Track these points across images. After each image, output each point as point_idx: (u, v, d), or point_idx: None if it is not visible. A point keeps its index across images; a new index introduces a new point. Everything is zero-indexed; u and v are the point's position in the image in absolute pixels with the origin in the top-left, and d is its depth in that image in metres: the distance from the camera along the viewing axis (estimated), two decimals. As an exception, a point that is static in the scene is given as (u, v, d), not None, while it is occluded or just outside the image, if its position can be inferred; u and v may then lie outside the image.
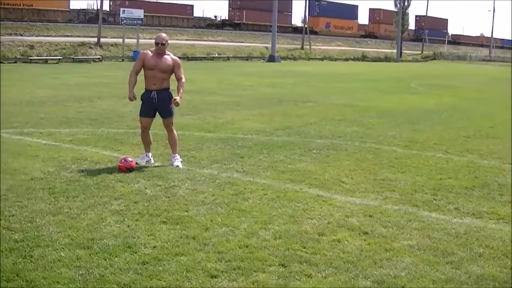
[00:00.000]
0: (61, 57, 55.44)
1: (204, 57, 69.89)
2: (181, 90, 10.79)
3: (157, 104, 10.79)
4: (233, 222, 7.58)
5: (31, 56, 54.56)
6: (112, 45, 66.21)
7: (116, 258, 6.27)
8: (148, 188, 9.10)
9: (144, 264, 6.14)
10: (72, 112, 17.80)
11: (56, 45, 61.16)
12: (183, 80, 10.89)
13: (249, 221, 7.65)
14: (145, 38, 70.19)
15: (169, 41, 11.04)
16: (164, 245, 6.67)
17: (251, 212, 8.01)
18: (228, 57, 73.19)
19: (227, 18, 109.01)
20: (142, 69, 10.82)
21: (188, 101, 21.32)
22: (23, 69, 41.87)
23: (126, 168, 10.09)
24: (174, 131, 11.11)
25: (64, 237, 6.86)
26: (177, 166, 10.63)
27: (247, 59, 74.87)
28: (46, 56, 55.49)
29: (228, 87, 29.18)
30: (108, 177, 9.63)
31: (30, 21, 74.59)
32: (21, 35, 64.92)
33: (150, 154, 11.09)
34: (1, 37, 60.08)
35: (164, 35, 11.06)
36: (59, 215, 7.67)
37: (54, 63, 51.53)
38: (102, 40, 65.77)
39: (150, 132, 11.20)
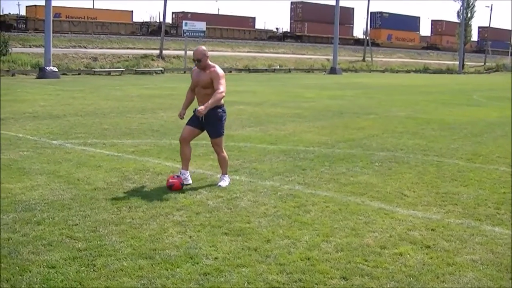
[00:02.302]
0: (123, 69, 56.29)
1: (266, 69, 70.12)
2: (210, 100, 9.78)
3: (204, 123, 10.12)
4: (295, 234, 7.55)
5: (94, 68, 55.53)
6: (174, 57, 66.92)
7: (178, 269, 6.29)
8: (210, 199, 9.14)
9: (206, 275, 6.15)
10: (134, 123, 18.02)
11: (119, 57, 62.09)
12: (220, 91, 9.88)
13: (311, 233, 7.61)
14: (209, 50, 70.80)
15: (207, 55, 10.04)
16: (226, 257, 6.68)
17: (313, 225, 7.97)
18: (289, 69, 73.33)
19: (288, 30, 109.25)
20: None
21: (250, 113, 21.44)
22: (87, 81, 42.57)
23: (181, 184, 9.74)
24: (223, 153, 10.31)
25: (127, 247, 6.93)
26: (219, 185, 9.96)
27: (308, 71, 74.87)
28: (109, 68, 56.42)
29: (289, 99, 29.19)
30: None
31: (94, 34, 75.88)
32: (85, 48, 66.11)
33: (187, 173, 10.23)
34: (66, 49, 61.21)
35: (200, 49, 10.06)
36: (121, 225, 7.76)
37: (117, 75, 52.33)
38: (164, 52, 66.53)
39: (190, 145, 10.44)
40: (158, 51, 67.10)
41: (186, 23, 67.98)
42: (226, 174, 10.31)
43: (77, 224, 7.74)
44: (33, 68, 50.79)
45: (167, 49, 70.06)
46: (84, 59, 59.42)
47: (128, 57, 62.91)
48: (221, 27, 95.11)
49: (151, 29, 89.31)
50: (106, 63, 59.24)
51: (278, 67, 73.06)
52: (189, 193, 9.44)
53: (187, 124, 10.38)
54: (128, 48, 70.54)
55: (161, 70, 58.67)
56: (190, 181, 10.13)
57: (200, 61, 9.96)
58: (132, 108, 22.81)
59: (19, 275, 6.05)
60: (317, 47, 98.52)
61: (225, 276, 6.15)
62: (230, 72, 65.57)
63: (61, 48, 62.45)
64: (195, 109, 9.88)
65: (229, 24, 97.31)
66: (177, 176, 9.92)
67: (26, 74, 49.06)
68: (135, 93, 30.40)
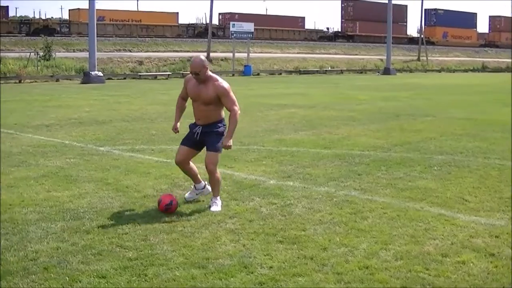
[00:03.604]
0: (170, 73, 56.76)
1: (317, 71, 70.04)
2: (231, 127, 8.99)
3: (200, 139, 9.16)
4: (352, 242, 7.51)
5: (140, 72, 56.09)
6: (222, 60, 67.19)
7: (232, 278, 6.30)
8: (263, 206, 9.14)
9: (261, 285, 6.15)
10: (183, 128, 17.97)
11: (165, 61, 62.55)
12: (235, 111, 8.98)
13: (369, 241, 7.56)
14: (255, 52, 71.07)
15: (207, 66, 8.99)
16: (281, 266, 6.67)
17: (371, 232, 7.92)
18: (341, 70, 73.14)
19: (339, 29, 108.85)
20: None
21: (302, 116, 21.44)
22: (132, 85, 42.98)
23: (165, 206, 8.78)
24: (217, 173, 9.18)
25: (179, 256, 6.96)
26: (211, 210, 8.91)
27: (361, 72, 74.60)
28: (155, 72, 56.94)
29: (342, 101, 29.11)
30: (221, 194, 9.69)
31: (139, 37, 76.62)
32: (130, 51, 66.81)
33: (202, 184, 9.52)
34: (111, 53, 61.88)
35: (198, 60, 8.99)
36: (173, 234, 7.80)
37: (163, 79, 52.80)
38: (211, 54, 66.79)
39: (190, 163, 9.43)
40: (205, 54, 67.43)
41: (234, 24, 68.33)
42: (218, 196, 9.21)
43: (127, 233, 7.81)
44: (77, 73, 51.46)
45: (215, 51, 70.37)
46: (130, 63, 59.99)
47: (174, 60, 63.33)
48: (269, 27, 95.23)
49: (197, 31, 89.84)
50: (152, 67, 59.73)
51: (329, 68, 72.91)
52: (241, 200, 9.46)
53: (182, 143, 9.40)
54: (174, 51, 71.03)
55: (208, 73, 58.88)
56: (210, 189, 9.38)
57: (199, 75, 8.89)
58: (179, 112, 22.92)
59: (69, 285, 6.12)
60: (369, 47, 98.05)
61: (281, 286, 6.14)
62: (280, 74, 65.66)
63: (106, 52, 63.16)
64: (191, 124, 9.30)
65: (278, 24, 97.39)
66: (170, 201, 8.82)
67: (70, 79, 49.73)
68: (182, 97, 30.55)
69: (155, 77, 54.32)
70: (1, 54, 53.09)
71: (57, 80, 48.60)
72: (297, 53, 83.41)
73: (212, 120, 9.11)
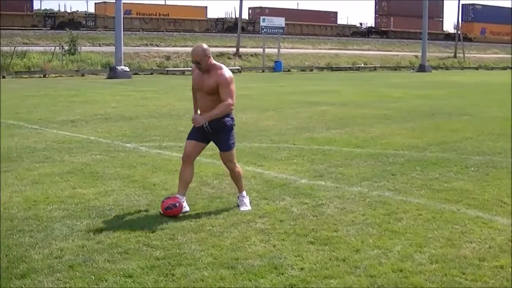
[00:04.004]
0: (199, 68, 56.72)
1: (349, 67, 69.91)
2: (213, 111, 8.62)
3: (209, 134, 8.92)
4: (386, 244, 7.48)
5: (167, 67, 56.33)
6: (251, 55, 67.32)
7: (261, 280, 6.30)
8: (294, 206, 9.13)
9: (292, 287, 6.14)
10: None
11: (193, 56, 62.62)
12: (227, 103, 8.60)
13: (403, 243, 7.53)
14: (286, 48, 71.00)
15: (209, 54, 8.66)
16: (313, 267, 6.66)
17: (405, 234, 7.88)
18: (374, 67, 72.93)
19: (373, 25, 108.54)
20: None
21: (334, 114, 21.40)
22: (160, 81, 43.16)
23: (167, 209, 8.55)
24: (237, 169, 9.20)
25: (207, 256, 6.98)
26: (243, 210, 8.91)
27: (395, 69, 74.34)
28: (182, 67, 57.08)
29: (375, 99, 29.01)
30: (251, 194, 9.72)
31: (167, 31, 76.89)
32: (157, 46, 67.10)
33: (183, 199, 8.85)
34: (137, 48, 62.18)
35: (199, 48, 8.69)
36: (201, 233, 7.83)
37: (190, 74, 52.61)
38: (241, 50, 66.98)
39: (193, 165, 9.15)
40: (234, 49, 67.58)
41: (264, 19, 68.28)
42: (244, 191, 9.20)
43: (154, 232, 7.85)
44: (103, 68, 51.82)
45: (244, 46, 70.51)
46: (157, 57, 60.29)
47: (202, 55, 63.47)
48: (301, 23, 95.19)
49: (226, 26, 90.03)
50: (179, 62, 59.95)
51: (362, 65, 72.72)
52: (271, 200, 9.47)
53: (188, 138, 9.10)
54: (202, 46, 71.18)
55: (238, 69, 58.98)
56: (188, 208, 8.85)
57: (200, 64, 8.64)
58: (208, 109, 22.98)
59: (95, 284, 6.17)
60: (404, 43, 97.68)
61: (312, 288, 6.15)
62: (311, 70, 65.59)
63: (132, 46, 63.50)
64: (194, 116, 8.92)
65: (310, 19, 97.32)
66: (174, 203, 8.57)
67: (96, 74, 50.10)
68: (210, 94, 30.62)
69: (182, 72, 54.47)
70: (23, 48, 53.56)
71: (83, 75, 48.97)
72: (329, 49, 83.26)
73: None
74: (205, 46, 8.73)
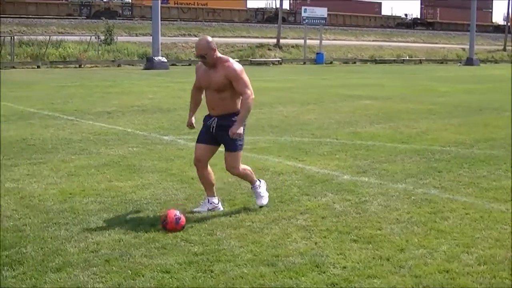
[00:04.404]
0: (238, 59, 56.71)
1: (394, 60, 69.54)
2: (241, 114, 8.35)
3: (216, 134, 8.58)
4: (431, 243, 7.44)
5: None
6: (292, 47, 67.24)
7: (302, 278, 6.31)
8: (336, 202, 9.12)
9: (334, 286, 6.14)
10: (252, 118, 18.03)
11: (232, 47, 62.87)
12: (248, 95, 8.31)
13: (449, 243, 7.48)
14: (328, 39, 70.79)
15: (214, 47, 8.29)
16: (355, 266, 6.65)
17: (451, 233, 7.82)
18: (420, 60, 72.49)
19: (418, 16, 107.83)
20: None
21: (378, 108, 21.31)
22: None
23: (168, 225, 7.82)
24: (241, 171, 8.83)
25: (247, 252, 7.00)
26: (260, 203, 8.78)
27: (441, 62, 73.81)
28: (222, 59, 57.03)
29: (421, 93, 28.80)
30: (292, 189, 9.75)
31: (205, 21, 77.01)
32: (195, 36, 67.15)
33: (215, 200, 8.75)
34: (175, 38, 62.43)
35: (204, 41, 8.35)
36: (240, 229, 7.85)
37: (230, 66, 52.77)
38: (281, 41, 66.93)
39: (209, 167, 8.86)
40: (275, 40, 67.55)
41: (306, 9, 68.21)
42: (255, 183, 8.90)
43: (192, 227, 7.89)
44: (140, 58, 52.17)
45: (285, 37, 70.43)
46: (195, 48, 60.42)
47: (242, 46, 63.64)
48: (343, 13, 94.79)
49: (266, 16, 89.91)
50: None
51: (407, 58, 72.34)
52: (313, 196, 9.46)
53: (198, 141, 8.81)
54: (242, 36, 71.33)
55: (278, 60, 59.03)
56: (221, 208, 8.76)
57: (205, 58, 8.29)
58: (247, 101, 23.00)
59: (131, 279, 6.22)
60: (451, 35, 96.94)
61: (355, 287, 6.12)
62: (354, 63, 65.38)
63: (170, 36, 63.73)
64: (205, 117, 8.70)
65: (353, 10, 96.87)
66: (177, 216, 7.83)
67: (132, 65, 50.41)
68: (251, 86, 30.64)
69: (221, 64, 54.52)
70: (58, 37, 54.04)
71: (119, 65, 49.31)
72: (373, 40, 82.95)
73: (228, 111, 8.46)
74: (209, 38, 8.40)
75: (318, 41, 65.80)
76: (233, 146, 8.54)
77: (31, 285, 6.07)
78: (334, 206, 8.91)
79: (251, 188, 8.95)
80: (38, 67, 46.04)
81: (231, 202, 9.04)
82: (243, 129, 8.43)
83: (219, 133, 8.49)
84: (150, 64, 46.44)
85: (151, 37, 48.90)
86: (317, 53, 63.43)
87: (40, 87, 29.29)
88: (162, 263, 6.65)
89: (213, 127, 8.50)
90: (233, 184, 10.07)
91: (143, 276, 6.30)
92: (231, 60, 8.47)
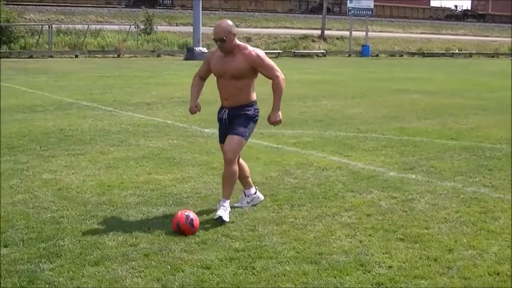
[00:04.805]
0: (280, 51, 56.99)
1: (443, 53, 69.07)
2: (276, 98, 8.28)
3: (228, 125, 8.33)
4: (481, 244, 7.38)
5: (248, 49, 56.25)
6: (337, 38, 67.10)
7: (347, 277, 6.30)
8: (382, 200, 9.09)
9: (379, 286, 6.12)
10: (295, 111, 18.19)
11: (275, 38, 62.92)
12: (279, 77, 8.21)
13: (500, 244, 7.41)
14: (374, 31, 70.49)
15: (234, 32, 8.06)
16: (401, 266, 6.62)
17: (502, 234, 7.75)
18: (470, 53, 71.94)
19: (469, 8, 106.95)
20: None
21: (426, 103, 21.20)
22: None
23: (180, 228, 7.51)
24: (233, 167, 8.18)
25: (289, 250, 7.01)
26: (219, 217, 7.84)
27: (492, 56, 73.19)
28: (264, 50, 56.89)
29: (471, 88, 28.55)
30: (336, 185, 9.74)
31: (247, 11, 77.03)
32: (237, 26, 66.91)
33: (252, 190, 8.68)
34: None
35: (224, 24, 8.11)
36: (283, 225, 7.86)
37: (273, 57, 52.61)
38: (326, 32, 66.76)
39: (241, 161, 8.61)
40: (319, 31, 67.39)
41: (351, 0, 67.88)
42: (228, 199, 8.16)
43: (233, 222, 7.92)
44: (180, 49, 52.40)
45: (330, 29, 70.27)
46: (237, 39, 60.47)
47: (285, 37, 63.64)
48: (391, 4, 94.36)
49: (311, 7, 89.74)
50: (261, 44, 60.11)
51: (457, 51, 71.78)
52: (358, 192, 9.44)
53: (220, 141, 8.66)
54: (285, 27, 71.29)
55: (322, 52, 58.95)
56: (262, 197, 8.80)
57: (225, 41, 7.97)
58: (291, 94, 22.94)
59: (171, 275, 6.26)
60: (503, 28, 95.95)
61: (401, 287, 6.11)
62: (401, 56, 65.06)
63: (211, 26, 63.21)
64: (221, 115, 8.48)
65: (400, 1, 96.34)
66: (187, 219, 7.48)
67: (172, 55, 50.66)
68: (294, 78, 30.59)
69: (264, 55, 54.55)
70: (97, 26, 54.39)
71: (158, 56, 49.57)
72: (421, 33, 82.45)
73: (242, 102, 8.26)
74: (230, 22, 8.18)
75: (364, 33, 65.58)
76: (237, 130, 8.15)
77: (68, 278, 6.13)
78: (379, 204, 8.88)
79: (221, 200, 8.14)
80: (76, 56, 46.46)
81: (274, 197, 9.05)
82: (256, 120, 8.43)
83: (230, 122, 8.27)
84: (190, 54, 46.62)
85: (192, 27, 49.09)
86: (362, 45, 63.21)
87: (78, 77, 29.55)
88: (202, 258, 6.68)
89: (225, 119, 8.33)
90: (275, 179, 10.10)
91: (182, 271, 6.34)
92: (249, 47, 8.24)
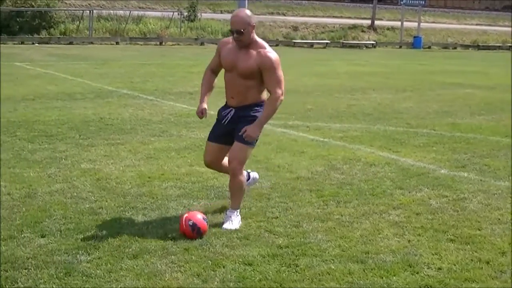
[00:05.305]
0: (328, 41, 56.76)
1: (499, 46, 68.17)
2: (264, 114, 7.53)
3: (228, 126, 7.73)
4: (537, 247, 7.33)
5: (294, 39, 56.36)
6: (388, 29, 66.60)
7: (394, 277, 6.29)
8: (432, 198, 9.05)
9: (427, 288, 6.12)
10: (342, 104, 18.17)
11: (323, 27, 62.64)
12: (277, 95, 7.48)
13: (557, 247, 7.35)
14: (427, 22, 69.92)
15: (253, 23, 7.50)
16: (452, 268, 6.59)
17: (559, 237, 7.69)
18: (529, 46, 70.94)
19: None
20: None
21: (481, 98, 21.04)
22: (286, 53, 43.24)
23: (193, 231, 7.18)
24: (241, 176, 7.75)
25: (335, 247, 7.01)
26: (224, 228, 7.50)
27: (552, 50, 72.12)
28: (311, 40, 57.07)
29: (529, 84, 28.27)
30: (384, 182, 9.72)
31: (294, -1, 76.84)
32: (284, 15, 67.24)
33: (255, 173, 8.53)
34: (262, 16, 62.52)
35: (243, 13, 7.56)
36: (328, 222, 7.87)
37: (320, 48, 52.92)
38: (376, 22, 66.31)
39: (223, 166, 8.04)
40: (369, 21, 67.03)
41: (404, -12, 67.49)
42: (237, 210, 7.77)
43: (277, 217, 7.95)
44: (224, 37, 51.76)
45: (380, 19, 69.79)
46: (283, 28, 60.44)
47: (333, 27, 63.32)
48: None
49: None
50: (308, 34, 59.97)
51: (514, 44, 70.93)
52: (407, 190, 9.41)
53: (209, 139, 8.05)
54: (334, 16, 70.98)
55: (372, 43, 58.59)
56: (256, 175, 8.72)
57: (243, 34, 7.44)
58: (339, 86, 23.01)
59: (211, 270, 6.30)
60: None
61: (451, 291, 6.09)
62: (455, 48, 64.46)
63: (257, 14, 63.63)
64: (221, 109, 7.98)
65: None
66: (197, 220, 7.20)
67: (216, 44, 50.37)
68: (342, 70, 30.60)
69: (311, 45, 54.48)
70: (139, 12, 54.65)
71: (202, 44, 49.64)
72: (476, 24, 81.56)
73: (250, 101, 7.67)
74: (249, 12, 7.64)
75: (416, 24, 65.07)
76: (241, 137, 7.52)
77: (106, 270, 6.20)
78: (429, 202, 8.85)
79: (228, 210, 7.78)
80: (117, 43, 46.70)
81: (319, 193, 9.06)
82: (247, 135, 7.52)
83: (234, 124, 7.64)
84: (235, 43, 46.58)
85: (237, 15, 49.04)
86: (414, 37, 62.69)
87: (119, 64, 29.74)
88: (244, 254, 6.71)
89: (227, 119, 7.67)
90: (321, 174, 10.10)
91: (223, 267, 6.38)
92: (268, 47, 7.65)
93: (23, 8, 46.55)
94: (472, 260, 6.83)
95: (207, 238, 7.09)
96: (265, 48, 7.56)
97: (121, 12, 53.56)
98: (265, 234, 7.35)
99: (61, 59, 31.80)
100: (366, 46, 57.57)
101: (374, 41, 60.36)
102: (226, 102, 7.90)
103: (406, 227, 7.80)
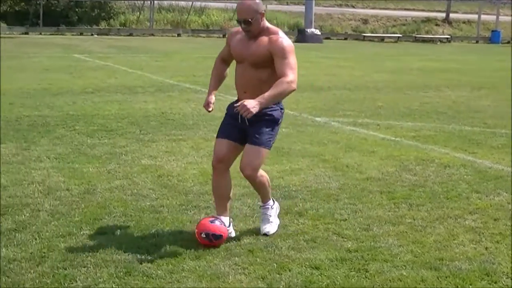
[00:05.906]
0: (400, 35, 56.52)
1: None
2: (270, 92, 6.79)
3: (243, 125, 7.14)
4: None
5: (364, 33, 56.34)
6: (464, 23, 66.10)
7: (470, 286, 6.23)
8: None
9: (505, 299, 6.06)
10: (415, 102, 18.05)
11: (394, 20, 62.41)
12: (288, 79, 6.90)
13: None
14: (506, 15, 69.04)
15: (262, 11, 7.12)
16: (525, 278, 6.50)
17: None
18: None
19: None
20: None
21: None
22: (355, 47, 43.19)
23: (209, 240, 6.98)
24: (258, 179, 7.41)
25: (407, 253, 6.97)
26: (266, 232, 7.33)
27: None
28: (382, 33, 56.88)
29: None
30: (460, 185, 9.63)
31: (367, -10, 76.58)
32: (353, 7, 67.13)
33: (226, 220, 7.28)
34: (331, 8, 62.45)
35: (249, 1, 7.06)
36: (400, 225, 7.82)
37: (391, 42, 52.73)
38: (451, 15, 65.84)
39: (229, 173, 7.54)
40: (443, 14, 66.55)
41: (482, -20, 66.85)
42: (269, 199, 7.63)
43: (346, 220, 7.93)
44: (290, 30, 52.40)
45: (456, 12, 69.27)
46: (352, 20, 60.34)
47: (406, 20, 63.04)
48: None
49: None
50: (378, 27, 59.82)
51: None
52: (485, 194, 9.29)
53: (219, 136, 7.50)
54: (406, 9, 70.68)
55: (447, 38, 58.19)
56: (233, 234, 7.35)
57: (251, 23, 7.04)
58: (411, 83, 22.87)
59: (277, 273, 6.31)
60: None
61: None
62: (508, 43, 63.58)
63: (325, 7, 63.75)
64: (231, 105, 7.44)
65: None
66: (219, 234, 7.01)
67: (283, 37, 50.61)
68: (414, 65, 30.40)
69: (382, 39, 54.34)
70: (202, 4, 54.87)
71: (265, 37, 49.59)
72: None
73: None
74: (258, 0, 7.15)
75: (495, 17, 64.41)
76: (260, 139, 7.13)
77: (167, 271, 6.24)
78: (508, 207, 8.72)
79: (260, 207, 7.64)
80: (179, 35, 47.07)
81: (390, 195, 9.01)
82: (277, 124, 7.33)
83: (247, 124, 7.08)
84: (301, 36, 46.69)
85: (304, 7, 49.05)
86: (492, 31, 62.05)
87: (180, 57, 29.97)
88: (311, 257, 6.70)
89: (241, 115, 6.79)
90: (393, 175, 10.04)
91: (289, 270, 6.38)
92: (281, 33, 7.28)
93: (82, -2, 47.20)
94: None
95: (272, 240, 7.11)
96: (277, 33, 7.20)
97: (183, 3, 53.91)
98: (333, 237, 7.33)
99: (121, 51, 32.17)
100: (440, 40, 57.18)
101: (449, 35, 59.96)
102: (237, 98, 7.39)
103: (483, 233, 7.70)
